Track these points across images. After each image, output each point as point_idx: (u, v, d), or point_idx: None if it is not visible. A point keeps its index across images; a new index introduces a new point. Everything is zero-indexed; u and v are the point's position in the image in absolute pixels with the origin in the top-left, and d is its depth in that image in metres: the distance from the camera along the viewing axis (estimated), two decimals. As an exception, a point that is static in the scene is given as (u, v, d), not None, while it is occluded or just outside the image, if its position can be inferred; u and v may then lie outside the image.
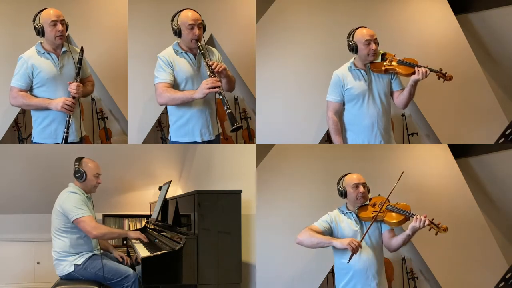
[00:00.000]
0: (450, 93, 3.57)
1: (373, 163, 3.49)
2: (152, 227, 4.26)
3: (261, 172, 3.53)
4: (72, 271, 3.21)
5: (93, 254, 3.28)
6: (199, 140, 3.17)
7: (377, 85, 3.15)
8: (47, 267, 4.47)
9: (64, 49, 3.18)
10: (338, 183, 3.02)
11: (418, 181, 3.55)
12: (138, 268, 3.21)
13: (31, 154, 4.41)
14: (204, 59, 3.08)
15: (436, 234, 2.76)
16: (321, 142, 3.60)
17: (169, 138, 3.24)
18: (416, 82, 3.02)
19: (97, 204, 3.47)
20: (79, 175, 3.29)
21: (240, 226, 3.23)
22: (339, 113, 3.19)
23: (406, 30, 3.65)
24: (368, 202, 2.97)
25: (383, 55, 3.13)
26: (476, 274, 3.52)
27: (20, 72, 3.12)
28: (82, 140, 3.30)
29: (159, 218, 3.99)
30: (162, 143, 4.16)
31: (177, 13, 3.10)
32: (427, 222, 2.73)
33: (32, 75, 3.13)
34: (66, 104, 3.10)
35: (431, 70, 3.00)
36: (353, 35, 3.12)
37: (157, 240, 3.56)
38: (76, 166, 3.30)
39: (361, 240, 2.81)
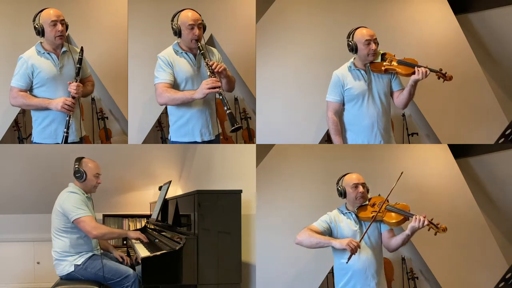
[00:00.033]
0: (450, 93, 3.57)
1: (373, 163, 3.49)
2: (152, 227, 4.26)
3: (261, 172, 3.53)
4: (72, 271, 3.21)
5: (93, 254, 3.28)
6: (199, 140, 3.18)
7: (377, 85, 3.15)
8: (47, 267, 4.47)
9: (64, 49, 3.18)
10: (337, 183, 3.02)
11: (418, 181, 3.55)
12: (138, 268, 3.21)
13: (31, 154, 4.41)
14: (204, 59, 3.08)
15: (435, 234, 2.76)
16: (321, 142, 3.60)
17: (169, 138, 3.24)
18: (416, 82, 3.02)
19: (97, 204, 3.47)
20: (79, 175, 3.29)
21: (240, 226, 3.23)
22: (339, 113, 3.19)
23: (406, 30, 3.65)
24: (367, 202, 2.97)
25: (383, 55, 3.13)
26: (476, 274, 3.52)
27: (20, 72, 3.12)
28: (82, 140, 3.30)
29: (159, 218, 3.99)
30: (162, 143, 4.16)
31: (177, 13, 3.10)
32: (426, 222, 2.73)
33: (32, 75, 3.13)
34: (66, 104, 3.10)
35: (431, 70, 3.00)
36: (353, 35, 3.12)
37: (157, 240, 3.56)
38: (76, 166, 3.30)
39: (360, 240, 2.81)
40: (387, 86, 3.16)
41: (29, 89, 3.15)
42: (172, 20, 3.11)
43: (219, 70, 3.06)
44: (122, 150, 4.57)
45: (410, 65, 3.04)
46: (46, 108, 3.14)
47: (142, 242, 3.52)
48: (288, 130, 3.62)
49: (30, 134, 3.29)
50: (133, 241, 3.63)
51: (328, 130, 3.27)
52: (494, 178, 3.70)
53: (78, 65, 3.18)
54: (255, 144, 3.56)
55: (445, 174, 3.59)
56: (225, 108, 3.00)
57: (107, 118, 4.07)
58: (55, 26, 3.09)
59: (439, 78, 3.02)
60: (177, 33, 3.09)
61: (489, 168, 3.70)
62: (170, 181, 4.06)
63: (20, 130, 4.00)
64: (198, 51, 3.10)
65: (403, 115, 3.78)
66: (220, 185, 3.90)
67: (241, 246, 3.22)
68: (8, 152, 4.33)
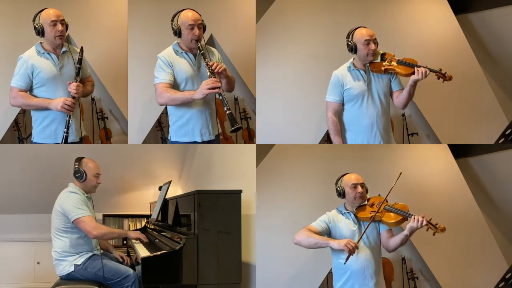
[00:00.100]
0: (450, 93, 3.56)
1: (373, 163, 3.49)
2: (152, 227, 4.26)
3: (261, 172, 3.53)
4: (72, 271, 3.22)
5: (93, 254, 3.28)
6: (199, 140, 3.18)
7: (376, 85, 3.15)
8: (47, 267, 4.47)
9: (64, 49, 3.18)
10: (336, 183, 3.02)
11: (418, 181, 3.55)
12: (138, 268, 3.21)
13: (31, 154, 4.41)
14: (204, 60, 3.08)
15: (433, 234, 2.76)
16: (321, 142, 3.60)
17: (169, 138, 3.24)
18: (415, 82, 3.02)
19: (97, 204, 3.47)
20: (79, 175, 3.29)
21: (240, 226, 3.23)
22: (339, 113, 3.19)
23: (406, 30, 3.64)
24: (366, 202, 2.97)
25: (383, 55, 3.13)
26: (476, 274, 3.52)
27: (20, 72, 3.13)
28: (82, 140, 3.30)
29: (159, 218, 3.99)
30: (162, 143, 4.16)
31: (177, 13, 3.10)
32: (424, 222, 2.73)
33: (32, 75, 3.13)
34: (66, 104, 3.10)
35: (431, 70, 2.99)
36: (353, 35, 3.12)
37: (157, 240, 3.56)
38: (76, 166, 3.31)
39: (358, 240, 2.81)
40: (386, 86, 3.16)
41: (29, 89, 3.16)
42: (172, 20, 3.11)
43: (219, 71, 3.06)
44: (122, 150, 4.57)
45: (410, 65, 3.04)
46: (46, 108, 3.14)
47: (142, 242, 3.52)
48: (288, 130, 3.62)
49: (30, 134, 3.29)
50: (133, 241, 3.63)
51: (328, 130, 3.27)
52: (494, 178, 3.70)
53: (78, 65, 3.18)
54: (255, 144, 3.56)
55: (445, 174, 3.59)
56: (225, 109, 3.00)
57: (107, 118, 4.07)
58: (55, 26, 3.09)
59: (438, 78, 3.02)
60: (177, 33, 3.09)
61: (489, 168, 3.70)
62: (170, 181, 4.06)
63: (20, 130, 4.00)
64: (198, 51, 3.10)
65: (403, 115, 3.78)
66: (220, 185, 3.90)
67: (241, 246, 3.22)
68: (8, 152, 4.33)
